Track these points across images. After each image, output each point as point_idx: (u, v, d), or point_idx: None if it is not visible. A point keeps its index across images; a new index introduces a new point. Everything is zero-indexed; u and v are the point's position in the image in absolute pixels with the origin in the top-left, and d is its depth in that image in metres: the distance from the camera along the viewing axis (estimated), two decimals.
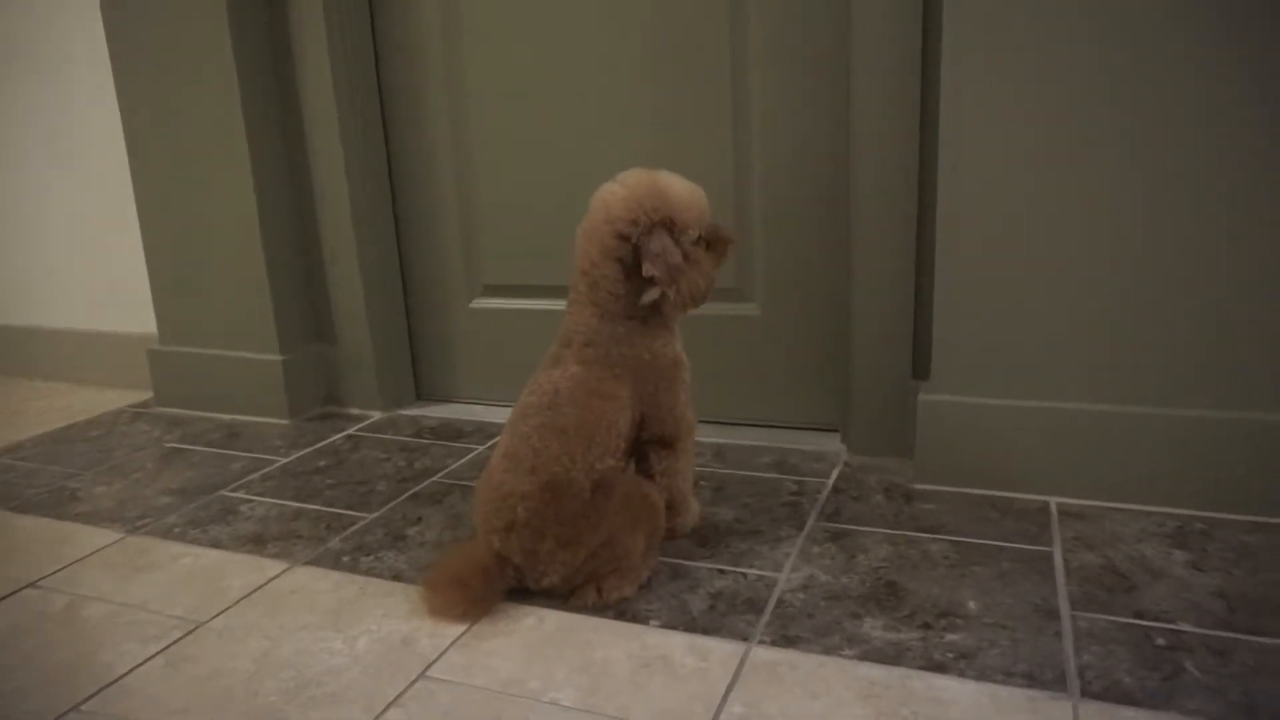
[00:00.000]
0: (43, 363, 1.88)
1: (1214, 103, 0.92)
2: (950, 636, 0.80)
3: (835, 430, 1.31)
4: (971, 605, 0.85)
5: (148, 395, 1.70)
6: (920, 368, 1.17)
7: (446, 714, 0.74)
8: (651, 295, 0.92)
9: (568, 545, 0.87)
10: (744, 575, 0.93)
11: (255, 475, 1.29)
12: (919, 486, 1.12)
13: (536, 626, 0.86)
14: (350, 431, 1.46)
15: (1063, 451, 1.05)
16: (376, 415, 1.54)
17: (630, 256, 0.91)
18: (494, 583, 0.89)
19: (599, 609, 0.88)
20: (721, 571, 0.94)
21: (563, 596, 0.89)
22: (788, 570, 0.94)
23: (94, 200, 1.72)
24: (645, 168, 0.94)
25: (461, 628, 0.86)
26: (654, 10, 1.27)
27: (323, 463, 1.33)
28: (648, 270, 0.90)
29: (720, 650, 0.81)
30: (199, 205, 1.50)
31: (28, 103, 1.75)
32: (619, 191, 0.92)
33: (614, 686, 0.76)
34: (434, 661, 0.81)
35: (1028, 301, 1.03)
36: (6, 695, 0.80)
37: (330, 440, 1.42)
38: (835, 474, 1.18)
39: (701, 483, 1.17)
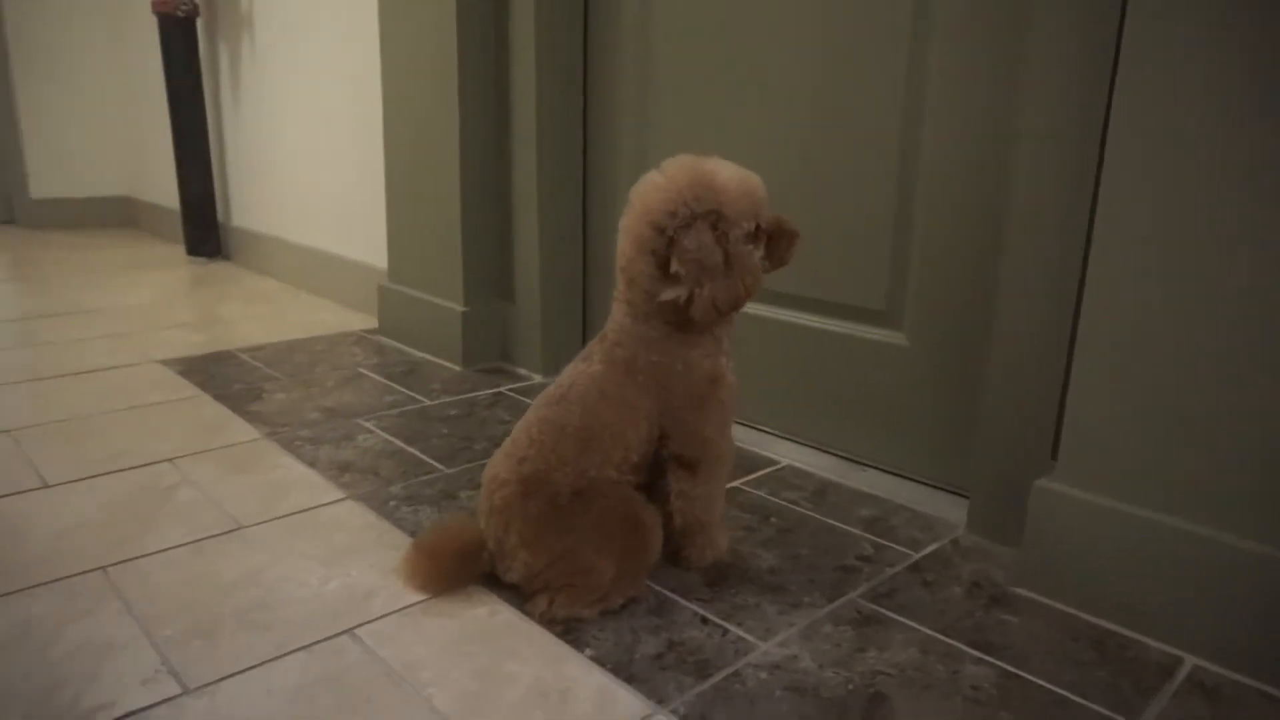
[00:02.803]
0: (321, 281, 2.19)
1: None
2: None
3: (967, 497, 1.09)
4: None
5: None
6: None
7: (334, 675, 0.74)
8: (670, 294, 0.82)
9: (528, 545, 0.82)
10: (724, 632, 0.81)
11: (395, 411, 1.39)
12: (1016, 590, 0.89)
13: (484, 618, 0.83)
14: (502, 389, 1.52)
15: (1217, 597, 0.77)
16: (537, 379, 1.58)
17: (666, 251, 0.82)
18: (467, 564, 0.87)
19: (547, 620, 0.82)
20: (704, 620, 0.83)
21: (525, 597, 0.85)
22: (774, 642, 0.80)
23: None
24: (694, 154, 0.84)
25: (420, 597, 0.86)
26: (835, 22, 1.13)
27: (454, 412, 1.39)
28: (674, 267, 0.81)
29: (624, 707, 0.71)
30: (421, 171, 1.64)
31: (301, 47, 2.03)
32: (658, 180, 0.83)
33: (495, 705, 0.71)
34: (369, 622, 0.81)
35: (1193, 391, 0.77)
36: (72, 541, 0.94)
37: (479, 393, 1.49)
38: (929, 550, 0.98)
39: (772, 519, 1.05)
